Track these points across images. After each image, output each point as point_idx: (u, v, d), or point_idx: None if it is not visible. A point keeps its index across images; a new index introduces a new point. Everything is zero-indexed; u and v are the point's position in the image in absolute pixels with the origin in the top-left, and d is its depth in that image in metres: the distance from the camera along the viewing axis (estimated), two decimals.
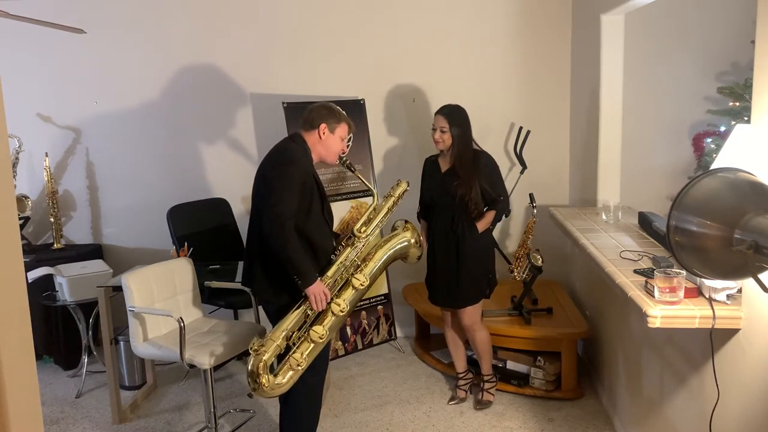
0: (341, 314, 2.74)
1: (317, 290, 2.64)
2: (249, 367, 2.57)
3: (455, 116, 3.28)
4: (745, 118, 3.14)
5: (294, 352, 2.63)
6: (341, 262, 2.79)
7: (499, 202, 3.33)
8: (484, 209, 3.32)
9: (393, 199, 3.02)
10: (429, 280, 3.49)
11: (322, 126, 2.76)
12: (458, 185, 3.25)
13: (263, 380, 2.57)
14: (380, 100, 4.39)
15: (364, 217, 2.91)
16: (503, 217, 3.46)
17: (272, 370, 2.64)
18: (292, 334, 2.66)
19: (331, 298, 2.73)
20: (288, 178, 2.63)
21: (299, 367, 2.64)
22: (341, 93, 4.37)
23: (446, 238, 3.33)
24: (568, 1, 4.29)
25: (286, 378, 2.63)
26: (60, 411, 3.67)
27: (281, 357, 2.68)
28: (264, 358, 2.57)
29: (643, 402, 2.83)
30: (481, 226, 3.31)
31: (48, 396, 3.86)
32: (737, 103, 3.40)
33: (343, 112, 2.85)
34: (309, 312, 2.69)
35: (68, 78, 4.47)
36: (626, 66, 3.69)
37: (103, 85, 4.47)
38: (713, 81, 3.86)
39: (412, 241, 3.01)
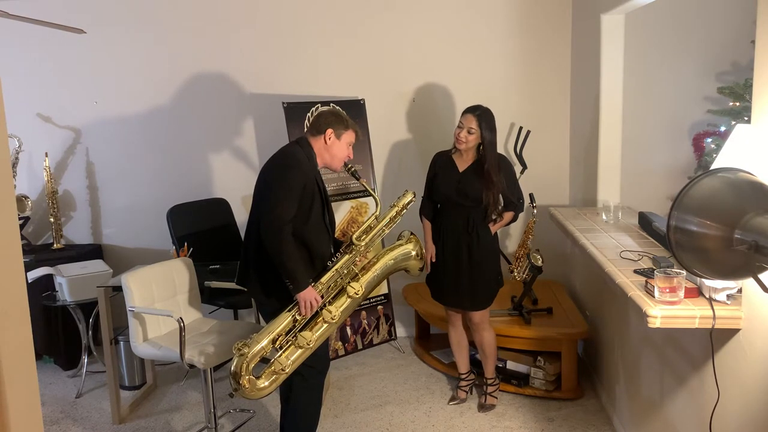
0: (332, 321, 2.71)
1: (308, 296, 2.62)
2: (232, 368, 2.57)
3: (487, 119, 3.19)
4: (745, 118, 3.14)
5: (279, 356, 2.62)
6: (337, 270, 2.76)
7: (518, 204, 3.35)
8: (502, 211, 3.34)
9: (396, 209, 2.97)
10: (434, 278, 3.43)
11: (329, 131, 2.74)
12: (486, 188, 3.20)
13: (244, 381, 2.57)
14: (380, 100, 4.39)
15: (365, 225, 2.86)
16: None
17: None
18: (279, 337, 2.64)
19: (323, 305, 2.71)
20: (288, 181, 2.61)
21: (284, 372, 2.62)
22: (341, 93, 4.37)
23: (459, 239, 3.29)
24: (568, 1, 4.29)
25: (268, 381, 2.62)
26: (60, 411, 3.67)
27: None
28: (247, 359, 2.56)
29: (643, 402, 2.83)
30: (497, 227, 3.32)
31: (48, 396, 3.86)
32: (737, 103, 3.40)
33: (350, 119, 2.84)
34: (297, 317, 2.66)
35: (68, 78, 4.47)
36: (626, 66, 3.69)
37: (103, 85, 4.47)
38: (713, 81, 3.86)
39: (414, 253, 2.98)
